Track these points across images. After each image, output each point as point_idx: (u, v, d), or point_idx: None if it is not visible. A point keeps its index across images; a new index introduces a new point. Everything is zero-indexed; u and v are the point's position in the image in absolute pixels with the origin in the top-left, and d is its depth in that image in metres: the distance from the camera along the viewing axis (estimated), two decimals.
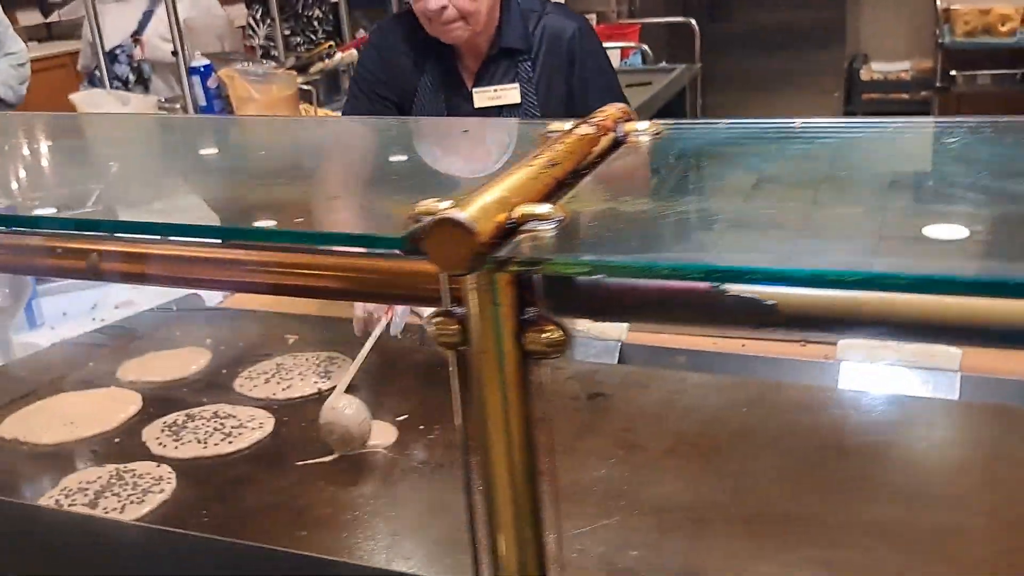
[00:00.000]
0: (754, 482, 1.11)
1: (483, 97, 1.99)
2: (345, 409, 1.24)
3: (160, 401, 1.45)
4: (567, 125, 0.82)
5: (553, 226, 0.61)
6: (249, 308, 1.90)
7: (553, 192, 0.65)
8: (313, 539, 1.05)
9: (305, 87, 3.17)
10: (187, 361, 1.58)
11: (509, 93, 1.98)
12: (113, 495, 1.18)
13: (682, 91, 4.04)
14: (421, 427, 1.28)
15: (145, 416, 1.40)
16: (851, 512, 1.03)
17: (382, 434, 1.26)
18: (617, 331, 1.55)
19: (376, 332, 1.40)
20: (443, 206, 0.63)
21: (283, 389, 1.44)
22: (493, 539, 0.67)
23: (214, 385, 1.50)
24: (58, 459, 1.29)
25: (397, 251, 0.68)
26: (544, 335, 0.61)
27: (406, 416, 1.32)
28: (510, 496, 0.65)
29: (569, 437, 1.23)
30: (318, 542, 1.05)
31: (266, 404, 1.41)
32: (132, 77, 3.72)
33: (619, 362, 1.53)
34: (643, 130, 0.80)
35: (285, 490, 1.16)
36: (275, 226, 0.68)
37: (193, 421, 1.36)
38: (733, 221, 0.69)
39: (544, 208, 0.61)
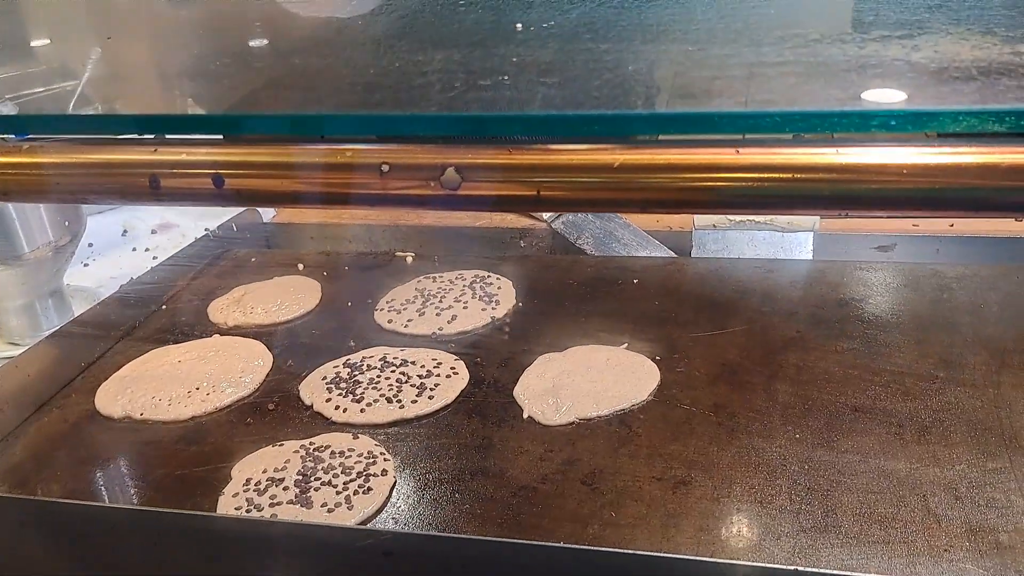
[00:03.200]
0: None
1: None
2: None
3: (290, 349, 1.15)
4: None
5: None
6: (313, 222, 1.59)
7: None
8: (666, 524, 0.81)
9: None
10: (294, 294, 1.27)
11: None
12: (324, 484, 0.89)
13: None
14: (680, 368, 1.03)
15: (284, 371, 1.11)
16: None
17: (647, 377, 1.01)
18: (809, 220, 1.33)
19: None
20: None
21: (448, 322, 1.16)
22: None
23: (352, 322, 1.20)
24: (207, 438, 0.99)
25: None
26: None
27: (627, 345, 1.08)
28: None
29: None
30: (672, 531, 0.80)
31: (437, 342, 1.13)
32: None
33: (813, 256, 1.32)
34: None
35: (552, 455, 0.91)
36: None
37: (361, 373, 1.07)
38: None
39: None
